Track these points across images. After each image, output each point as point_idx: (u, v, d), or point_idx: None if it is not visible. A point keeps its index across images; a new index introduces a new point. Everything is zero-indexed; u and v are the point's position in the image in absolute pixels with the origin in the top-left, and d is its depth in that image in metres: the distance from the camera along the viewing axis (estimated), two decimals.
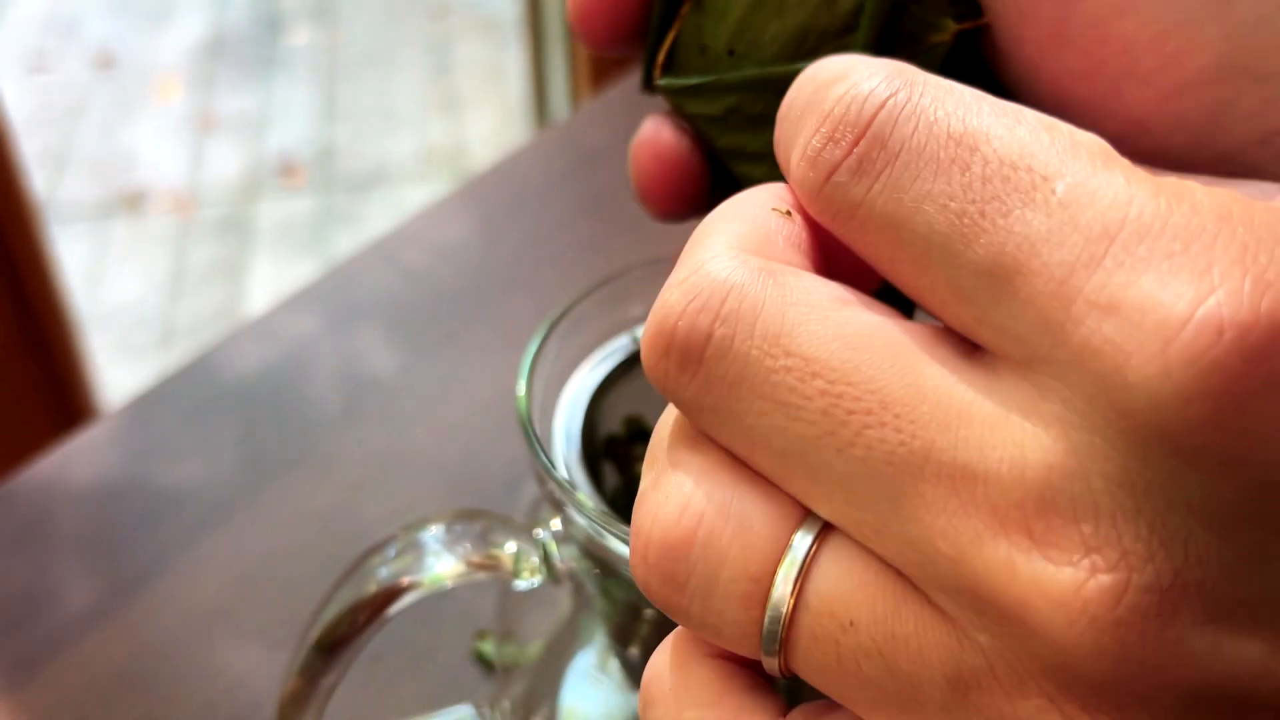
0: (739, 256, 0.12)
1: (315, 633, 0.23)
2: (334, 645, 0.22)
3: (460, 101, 1.80)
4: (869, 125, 0.12)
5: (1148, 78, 0.15)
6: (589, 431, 0.24)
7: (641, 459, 0.25)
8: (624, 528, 0.21)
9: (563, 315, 0.25)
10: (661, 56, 0.17)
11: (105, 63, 1.89)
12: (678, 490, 0.13)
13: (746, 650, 0.13)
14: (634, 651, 0.25)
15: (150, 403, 0.44)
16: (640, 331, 0.26)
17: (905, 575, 0.11)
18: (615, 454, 0.26)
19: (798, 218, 0.13)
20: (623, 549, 0.21)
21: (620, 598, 0.24)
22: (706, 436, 0.13)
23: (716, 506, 0.12)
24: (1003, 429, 0.11)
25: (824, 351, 0.11)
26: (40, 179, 1.61)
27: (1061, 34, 0.15)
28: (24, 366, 0.76)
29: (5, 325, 0.74)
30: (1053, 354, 0.11)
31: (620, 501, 0.25)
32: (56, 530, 0.39)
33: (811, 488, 0.12)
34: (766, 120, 0.16)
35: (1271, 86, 0.15)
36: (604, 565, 0.22)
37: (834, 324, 0.12)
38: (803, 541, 0.12)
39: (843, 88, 0.12)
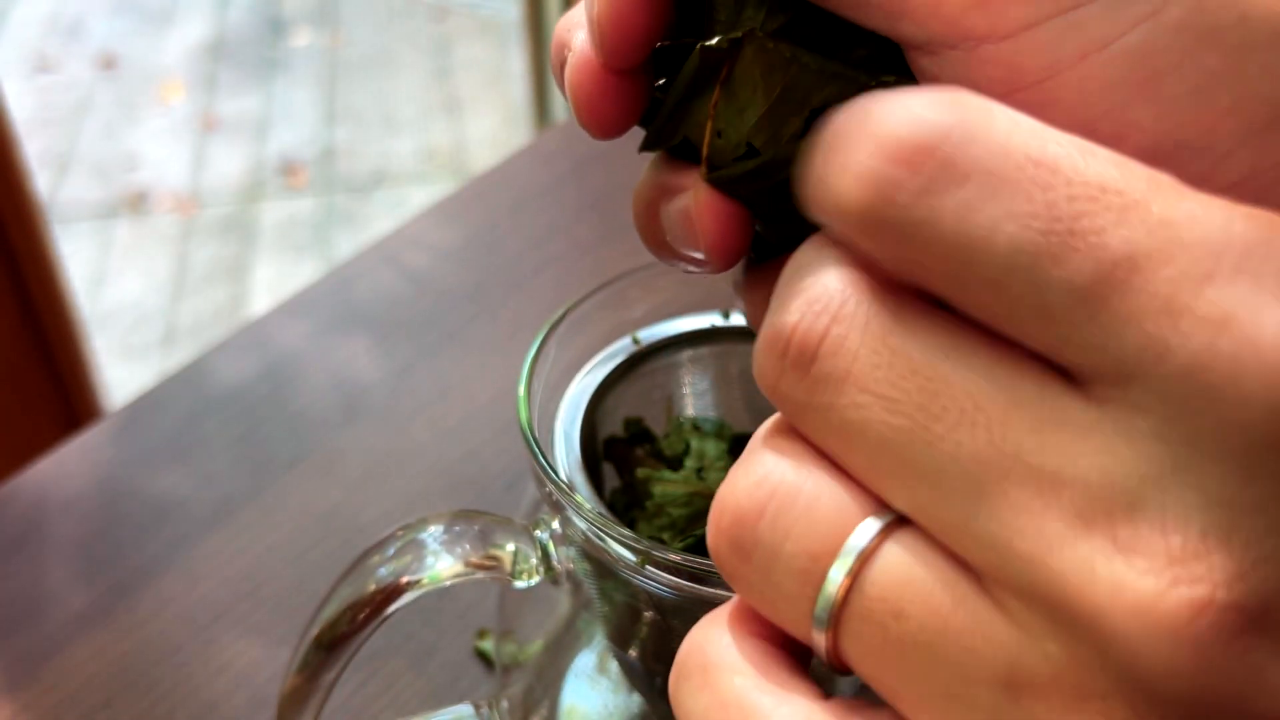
0: (849, 269, 0.13)
1: (315, 630, 0.23)
2: (334, 643, 0.23)
3: (461, 103, 1.80)
4: (937, 145, 0.11)
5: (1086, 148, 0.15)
6: (588, 433, 0.25)
7: (641, 461, 0.25)
8: (622, 530, 0.21)
9: (562, 318, 0.25)
10: (706, 151, 0.17)
11: (108, 64, 1.89)
12: (759, 466, 0.13)
13: (797, 627, 0.13)
14: (632, 652, 0.26)
15: (152, 403, 0.45)
16: (641, 334, 0.26)
17: (976, 573, 0.12)
18: (615, 456, 0.26)
19: None
20: (621, 550, 0.21)
21: (618, 599, 0.24)
22: (799, 432, 0.13)
23: (791, 484, 0.13)
24: (1094, 438, 0.11)
25: (925, 352, 0.12)
26: (43, 179, 1.61)
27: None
28: (28, 366, 0.76)
29: (9, 325, 0.74)
30: (1155, 369, 0.11)
31: (620, 503, 0.25)
32: (60, 530, 0.39)
33: (895, 481, 0.12)
34: None
35: (1216, 151, 0.15)
36: (602, 567, 0.22)
37: (936, 329, 0.12)
38: (870, 527, 0.12)
39: (903, 111, 0.12)
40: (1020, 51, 0.14)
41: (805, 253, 0.13)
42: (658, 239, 0.19)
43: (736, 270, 0.20)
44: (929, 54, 0.15)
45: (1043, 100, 0.15)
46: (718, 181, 0.18)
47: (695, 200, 0.17)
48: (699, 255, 0.18)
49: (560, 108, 1.26)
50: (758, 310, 0.19)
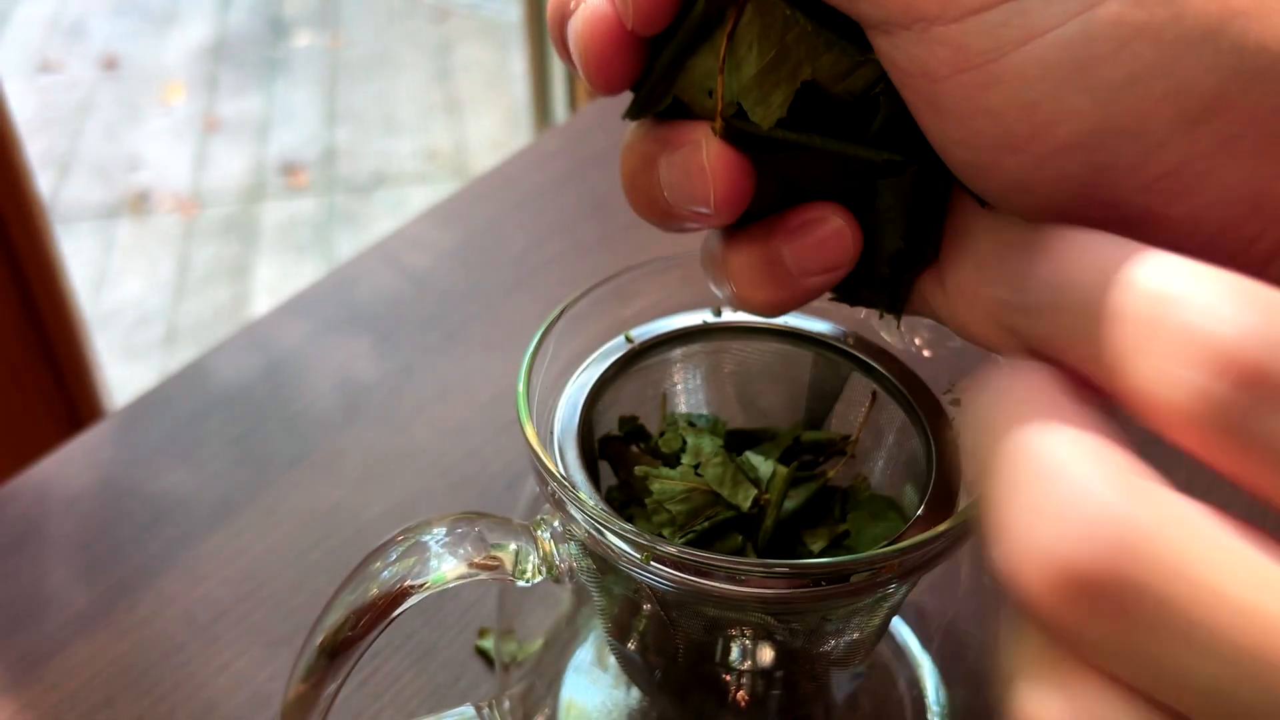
0: (1110, 476, 0.11)
1: (319, 638, 0.23)
2: (338, 650, 0.22)
3: (461, 104, 1.80)
4: None
5: (1022, 145, 0.16)
6: (585, 432, 0.25)
7: (637, 459, 0.25)
8: (623, 524, 0.21)
9: (560, 315, 0.25)
10: (719, 106, 0.18)
11: (109, 65, 1.90)
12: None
13: None
14: (631, 647, 0.26)
15: (152, 403, 0.45)
16: (635, 332, 0.27)
17: None
18: (611, 454, 0.26)
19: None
20: (624, 546, 0.21)
21: (620, 595, 0.24)
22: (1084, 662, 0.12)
23: None
24: None
25: (1244, 590, 0.11)
26: (45, 180, 1.61)
27: (936, 105, 0.16)
28: (29, 366, 0.76)
29: (11, 325, 0.74)
30: None
31: (617, 501, 0.25)
32: (61, 529, 0.39)
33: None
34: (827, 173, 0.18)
35: (1148, 139, 0.15)
36: (603, 562, 0.22)
37: (1242, 559, 0.11)
38: None
39: (1247, 317, 0.11)
40: (968, 34, 0.15)
41: (1008, 412, 0.13)
42: (651, 198, 0.19)
43: (709, 239, 0.21)
44: (884, 33, 0.16)
45: (986, 81, 0.15)
46: (735, 136, 0.18)
47: (708, 151, 0.18)
48: (704, 209, 0.19)
49: (561, 109, 1.26)
50: (741, 276, 0.20)
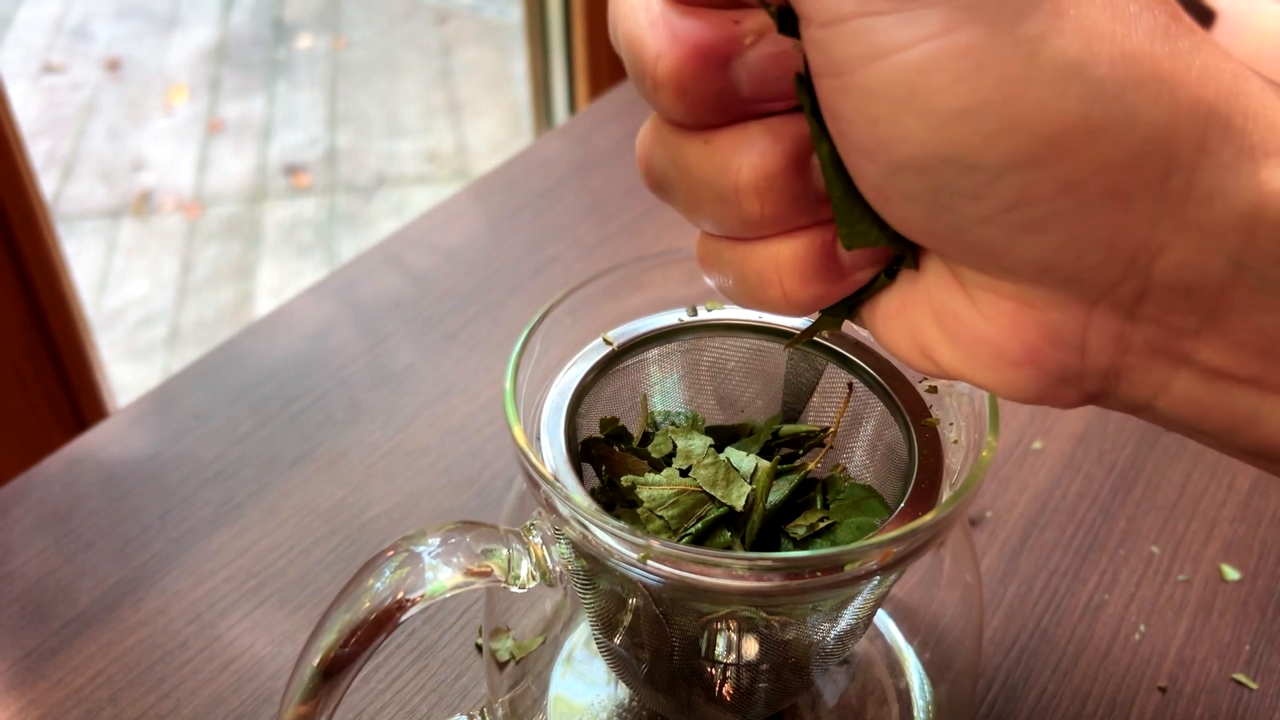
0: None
1: (315, 657, 0.23)
2: (334, 668, 0.23)
3: (463, 105, 1.81)
4: None
5: (871, 154, 0.16)
6: (570, 434, 0.25)
7: (621, 460, 0.25)
8: (613, 521, 0.21)
9: (543, 317, 0.26)
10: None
11: (113, 66, 1.90)
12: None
13: None
14: (621, 644, 0.26)
15: (159, 400, 0.45)
16: (612, 334, 0.27)
17: None
18: (594, 456, 0.26)
19: None
20: (616, 544, 0.21)
21: (612, 593, 0.24)
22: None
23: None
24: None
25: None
26: (49, 181, 1.62)
27: (820, 97, 0.17)
28: (34, 366, 0.76)
29: (15, 326, 0.75)
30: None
31: (602, 501, 0.25)
32: (67, 526, 0.40)
33: None
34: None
35: (981, 174, 0.16)
36: (596, 561, 0.22)
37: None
38: None
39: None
40: (831, 41, 0.16)
41: None
42: (801, 200, 0.19)
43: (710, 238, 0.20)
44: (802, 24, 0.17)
45: (844, 88, 0.16)
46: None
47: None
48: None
49: (561, 110, 1.27)
50: (790, 269, 0.19)
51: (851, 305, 0.20)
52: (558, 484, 0.22)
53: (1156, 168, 0.15)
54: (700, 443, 0.25)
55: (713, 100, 0.18)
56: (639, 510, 0.24)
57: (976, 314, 0.18)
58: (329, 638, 0.22)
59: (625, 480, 0.24)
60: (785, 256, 0.19)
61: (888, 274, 0.20)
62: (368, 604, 0.22)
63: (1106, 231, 0.16)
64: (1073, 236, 0.16)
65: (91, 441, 0.43)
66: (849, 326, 0.27)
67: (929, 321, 0.19)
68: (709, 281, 0.21)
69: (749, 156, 0.18)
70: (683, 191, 0.19)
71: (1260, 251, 0.16)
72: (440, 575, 0.23)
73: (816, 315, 0.21)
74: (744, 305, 0.20)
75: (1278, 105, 0.16)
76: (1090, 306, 0.17)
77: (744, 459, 0.25)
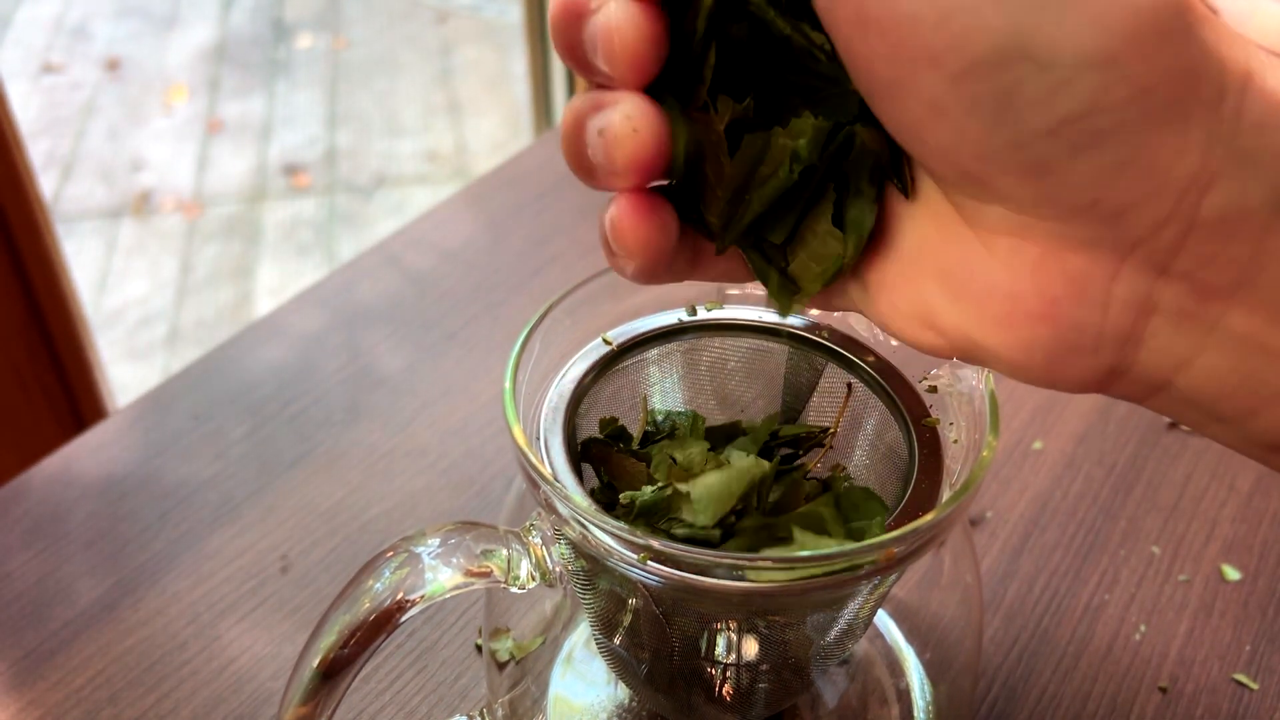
0: None
1: (315, 659, 0.23)
2: (334, 669, 0.23)
3: (462, 105, 1.81)
4: None
5: (938, 57, 0.16)
6: (570, 434, 0.25)
7: (620, 463, 0.25)
8: (613, 521, 0.21)
9: (543, 316, 0.26)
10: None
11: (112, 66, 1.90)
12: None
13: None
14: (620, 644, 0.26)
15: (159, 401, 0.45)
16: (611, 334, 0.27)
17: None
18: (593, 456, 0.26)
19: None
20: (611, 541, 0.21)
21: (612, 593, 0.24)
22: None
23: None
24: None
25: None
26: (48, 181, 1.62)
27: (864, 16, 0.16)
28: (34, 366, 0.76)
29: (15, 326, 0.75)
30: None
31: (601, 502, 0.25)
32: (66, 527, 0.40)
33: None
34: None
35: (1056, 73, 0.15)
36: (596, 561, 0.22)
37: None
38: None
39: None
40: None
41: None
42: (578, 154, 0.19)
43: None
44: None
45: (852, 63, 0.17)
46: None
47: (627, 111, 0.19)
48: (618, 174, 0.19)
49: (561, 110, 1.27)
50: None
51: (830, 280, 0.20)
52: (557, 484, 0.22)
53: (1212, 87, 0.15)
54: (698, 449, 0.25)
55: (571, 52, 0.18)
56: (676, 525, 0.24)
57: (994, 263, 0.17)
58: (329, 638, 0.22)
59: (624, 497, 0.24)
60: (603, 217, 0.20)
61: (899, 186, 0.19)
62: (367, 605, 0.22)
63: (1166, 154, 0.16)
64: (1134, 155, 0.16)
65: (91, 442, 0.43)
66: (849, 325, 0.27)
67: (932, 282, 0.18)
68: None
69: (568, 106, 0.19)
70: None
71: None
72: (440, 576, 0.23)
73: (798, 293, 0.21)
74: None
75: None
76: (1124, 254, 0.17)
77: (744, 458, 0.25)
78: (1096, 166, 0.16)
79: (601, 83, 0.19)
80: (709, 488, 0.23)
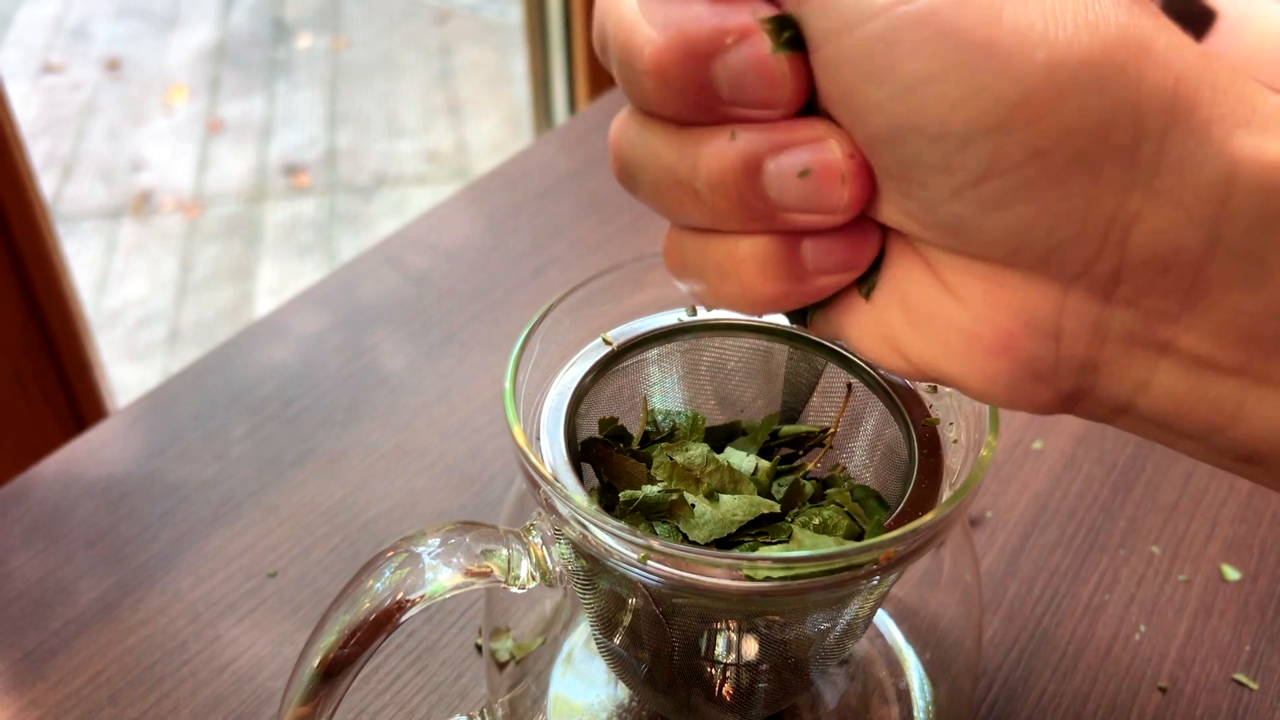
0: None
1: (315, 659, 0.23)
2: (334, 669, 0.23)
3: (462, 105, 1.81)
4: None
5: (850, 126, 0.17)
6: (570, 434, 0.25)
7: (620, 463, 0.25)
8: (613, 521, 0.21)
9: (543, 317, 0.26)
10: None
11: (112, 66, 1.90)
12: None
13: None
14: (621, 644, 0.26)
15: (159, 400, 0.45)
16: (612, 334, 0.27)
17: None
18: (593, 457, 0.26)
19: None
20: (611, 541, 0.21)
21: (612, 593, 0.24)
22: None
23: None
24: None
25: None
26: (48, 181, 1.62)
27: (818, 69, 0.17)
28: (34, 367, 0.76)
29: (15, 326, 0.75)
30: None
31: (602, 502, 0.25)
32: (66, 527, 0.40)
33: None
34: None
35: (948, 143, 0.16)
36: (596, 561, 0.22)
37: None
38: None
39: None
40: (811, 14, 0.16)
41: None
42: (751, 207, 0.18)
43: (681, 233, 0.20)
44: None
45: (821, 61, 0.16)
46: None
47: (842, 147, 0.17)
48: (834, 212, 0.18)
49: (561, 110, 1.27)
50: (748, 267, 0.19)
51: (810, 312, 0.20)
52: (557, 484, 0.22)
53: (1126, 134, 0.15)
54: (698, 451, 0.25)
55: (692, 94, 0.17)
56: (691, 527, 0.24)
57: (950, 300, 0.18)
58: (329, 638, 0.22)
59: (624, 496, 0.24)
60: (745, 252, 0.18)
61: (861, 286, 0.19)
62: (367, 604, 0.22)
63: (1077, 202, 0.16)
64: (1043, 209, 0.16)
65: (91, 442, 0.43)
66: None
67: (898, 314, 0.18)
68: (678, 284, 0.20)
69: (714, 148, 0.18)
70: (649, 179, 0.19)
71: (1234, 221, 0.15)
72: (440, 576, 0.23)
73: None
74: (706, 304, 0.20)
75: (1245, 80, 0.16)
76: (1065, 287, 0.17)
77: (744, 459, 0.25)
78: (1007, 222, 0.16)
79: (740, 117, 0.18)
80: (714, 511, 0.24)
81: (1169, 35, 0.16)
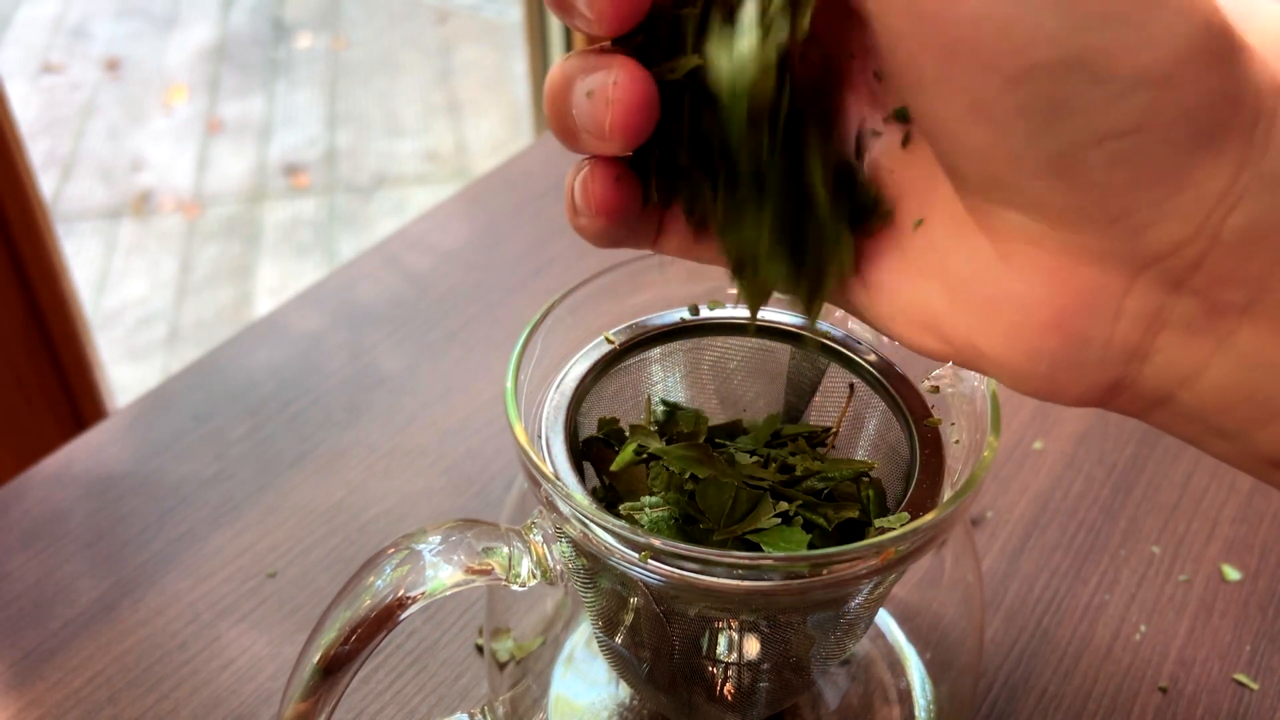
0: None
1: (316, 655, 0.23)
2: (335, 665, 0.23)
3: (462, 105, 1.81)
4: None
5: (995, 60, 0.16)
6: (571, 432, 0.25)
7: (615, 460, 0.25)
8: (613, 519, 0.21)
9: (544, 316, 0.26)
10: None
11: (112, 66, 1.90)
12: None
13: None
14: (621, 643, 0.26)
15: (158, 400, 0.45)
16: (613, 333, 0.27)
17: None
18: (593, 455, 0.26)
19: None
20: (612, 539, 0.21)
21: (613, 592, 0.24)
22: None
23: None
24: None
25: None
26: (48, 181, 1.62)
27: (919, 10, 0.16)
28: (33, 367, 0.76)
29: (14, 326, 0.75)
30: None
31: (602, 501, 0.25)
32: (64, 528, 0.40)
33: None
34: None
35: (1110, 87, 0.15)
36: (596, 560, 0.22)
37: None
38: None
39: None
40: None
41: None
42: (562, 118, 0.20)
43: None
44: None
45: None
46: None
47: (618, 77, 0.19)
48: (603, 137, 0.19)
49: None
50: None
51: (815, 286, 0.20)
52: (558, 482, 0.22)
53: (1248, 111, 0.16)
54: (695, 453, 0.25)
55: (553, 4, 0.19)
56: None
57: (1006, 270, 0.17)
58: (329, 635, 0.22)
59: (625, 508, 0.24)
60: (568, 178, 0.20)
61: (853, 225, 0.19)
62: (368, 601, 0.22)
63: (1200, 173, 0.16)
64: (1170, 172, 0.16)
65: (90, 442, 0.43)
66: (848, 327, 0.27)
67: (938, 291, 0.18)
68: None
69: (554, 68, 0.20)
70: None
71: None
72: (441, 573, 0.23)
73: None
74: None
75: None
76: (1140, 270, 0.17)
77: (746, 458, 0.25)
78: (1132, 180, 0.16)
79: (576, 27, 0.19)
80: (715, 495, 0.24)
81: (1266, 32, 0.16)
